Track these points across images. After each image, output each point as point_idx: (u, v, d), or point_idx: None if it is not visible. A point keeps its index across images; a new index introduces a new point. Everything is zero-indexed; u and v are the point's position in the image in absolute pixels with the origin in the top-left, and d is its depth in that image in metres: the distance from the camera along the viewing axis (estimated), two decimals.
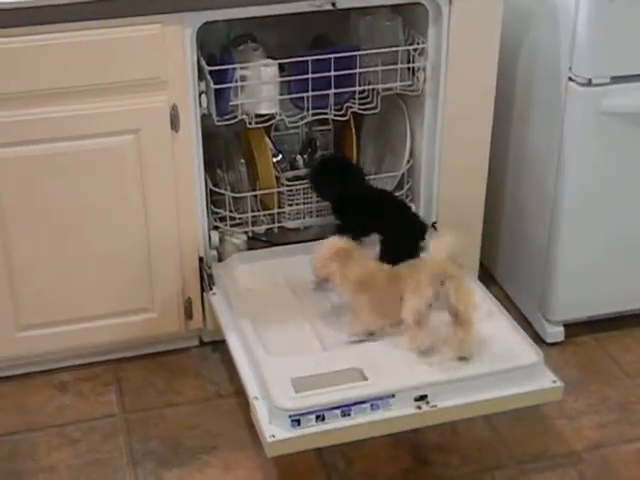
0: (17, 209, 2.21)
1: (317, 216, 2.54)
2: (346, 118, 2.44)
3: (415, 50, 2.37)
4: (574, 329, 2.59)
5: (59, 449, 2.24)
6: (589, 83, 2.27)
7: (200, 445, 2.25)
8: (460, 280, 1.99)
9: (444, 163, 2.47)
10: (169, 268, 2.37)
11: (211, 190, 2.45)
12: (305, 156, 2.62)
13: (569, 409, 2.36)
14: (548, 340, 2.57)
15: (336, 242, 2.15)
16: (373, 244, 2.32)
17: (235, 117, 2.33)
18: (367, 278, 2.09)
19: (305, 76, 2.29)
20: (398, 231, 2.32)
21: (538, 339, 2.53)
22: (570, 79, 2.29)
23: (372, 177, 2.59)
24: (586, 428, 2.31)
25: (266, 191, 2.50)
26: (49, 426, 2.31)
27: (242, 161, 2.58)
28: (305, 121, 2.42)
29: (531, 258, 2.59)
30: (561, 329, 2.58)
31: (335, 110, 2.39)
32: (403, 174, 2.55)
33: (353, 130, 2.56)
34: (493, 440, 2.27)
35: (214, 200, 2.48)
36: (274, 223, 2.53)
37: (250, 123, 2.36)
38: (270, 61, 2.32)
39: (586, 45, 2.23)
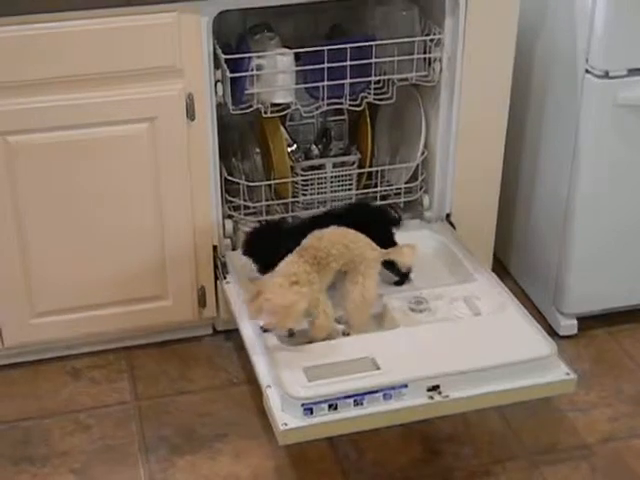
0: (32, 196, 2.22)
1: (331, 207, 2.54)
2: (361, 108, 2.44)
3: (431, 41, 2.36)
4: (587, 322, 2.59)
5: (72, 435, 2.25)
6: (606, 75, 2.26)
7: (212, 433, 2.25)
8: None
9: (459, 155, 2.46)
10: (183, 256, 2.37)
11: (226, 179, 2.45)
12: (320, 146, 2.61)
13: (581, 402, 2.35)
14: (561, 333, 2.56)
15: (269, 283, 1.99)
16: None
17: (250, 106, 2.33)
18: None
19: (321, 65, 2.29)
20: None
21: (551, 332, 2.53)
22: (587, 71, 2.28)
23: (386, 167, 2.59)
24: (598, 421, 2.31)
25: (280, 180, 2.50)
26: (62, 412, 2.32)
27: (257, 150, 2.58)
28: (320, 111, 2.41)
29: (545, 251, 2.59)
30: (574, 322, 2.58)
31: (350, 100, 2.38)
32: (417, 165, 2.54)
33: (368, 120, 2.55)
34: (505, 432, 2.27)
35: (228, 189, 2.49)
36: (288, 213, 2.53)
37: (265, 112, 2.35)
38: (286, 50, 2.31)
39: (603, 37, 2.22)
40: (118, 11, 2.08)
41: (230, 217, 2.48)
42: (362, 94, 2.40)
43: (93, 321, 2.39)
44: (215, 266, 2.41)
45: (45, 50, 2.07)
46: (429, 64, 2.39)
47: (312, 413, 1.87)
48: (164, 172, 2.26)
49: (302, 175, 2.52)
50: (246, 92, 2.30)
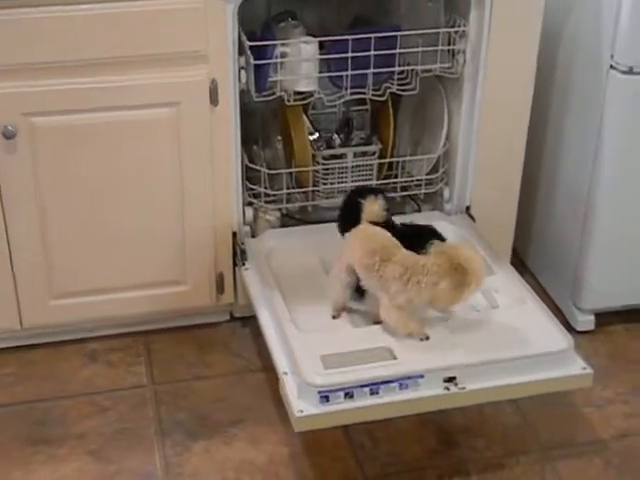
0: (54, 177, 2.23)
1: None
2: (384, 98, 2.43)
3: (456, 32, 2.35)
4: (605, 318, 2.58)
5: (89, 417, 2.26)
6: (630, 71, 2.25)
7: (227, 418, 2.26)
8: None
9: (480, 147, 2.46)
10: (203, 242, 2.38)
11: (247, 166, 2.46)
12: (341, 135, 2.61)
13: (597, 398, 2.35)
14: (578, 328, 2.56)
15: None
16: None
17: (273, 94, 2.33)
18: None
19: (345, 55, 2.29)
20: None
21: (568, 327, 2.51)
22: (611, 67, 2.27)
23: (407, 159, 2.59)
24: (613, 417, 2.30)
25: (302, 169, 2.50)
26: (79, 394, 2.33)
27: (279, 138, 2.59)
28: (343, 100, 2.42)
29: (564, 246, 2.58)
30: (592, 318, 2.57)
31: (373, 90, 2.38)
32: (439, 157, 2.54)
33: (390, 111, 2.55)
34: (520, 425, 2.27)
35: (249, 176, 2.49)
36: (308, 201, 2.54)
37: (288, 100, 2.36)
38: (310, 38, 2.31)
39: (629, 33, 2.21)
40: None
41: (250, 204, 2.49)
42: (385, 84, 2.40)
43: (112, 304, 2.40)
44: (234, 253, 2.42)
45: (72, 32, 2.08)
46: (453, 56, 2.39)
47: (328, 401, 1.87)
48: (186, 157, 2.27)
49: (323, 164, 2.53)
50: (269, 79, 2.31)
